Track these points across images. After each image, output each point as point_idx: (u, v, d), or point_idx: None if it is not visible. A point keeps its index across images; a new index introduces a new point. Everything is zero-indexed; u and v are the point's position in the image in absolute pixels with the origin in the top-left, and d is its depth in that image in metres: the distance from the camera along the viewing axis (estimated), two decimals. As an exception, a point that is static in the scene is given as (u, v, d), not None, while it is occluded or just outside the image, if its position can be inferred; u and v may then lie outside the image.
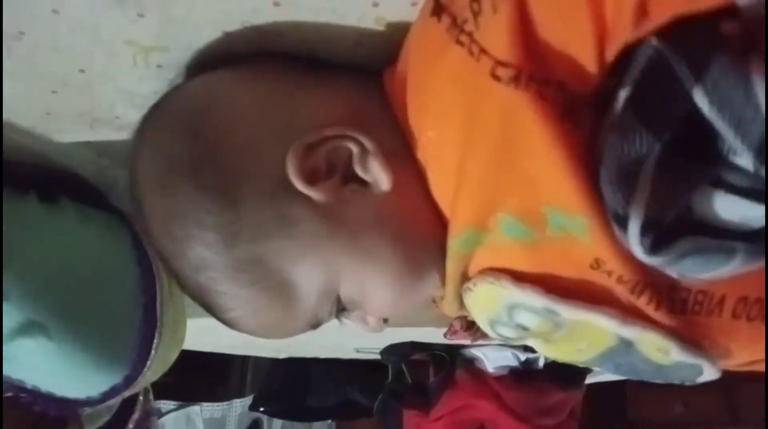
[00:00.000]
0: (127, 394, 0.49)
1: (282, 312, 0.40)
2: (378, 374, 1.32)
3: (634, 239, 0.29)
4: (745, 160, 0.25)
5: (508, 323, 0.38)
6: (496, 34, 0.28)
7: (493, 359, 1.16)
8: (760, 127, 0.24)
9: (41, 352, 0.43)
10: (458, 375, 1.18)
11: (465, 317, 0.85)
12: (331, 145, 0.37)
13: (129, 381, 0.47)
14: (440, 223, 0.38)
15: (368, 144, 0.37)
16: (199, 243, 0.37)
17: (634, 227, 0.28)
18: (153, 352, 0.47)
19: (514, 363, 1.17)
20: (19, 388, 0.46)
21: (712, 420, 2.17)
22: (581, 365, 0.43)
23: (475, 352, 1.17)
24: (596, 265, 0.32)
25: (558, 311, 0.35)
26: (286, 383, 1.41)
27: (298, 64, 0.40)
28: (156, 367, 0.49)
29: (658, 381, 0.41)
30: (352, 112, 0.38)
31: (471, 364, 1.18)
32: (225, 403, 2.73)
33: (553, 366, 1.19)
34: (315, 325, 0.42)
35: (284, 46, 0.39)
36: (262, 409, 1.46)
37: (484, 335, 0.88)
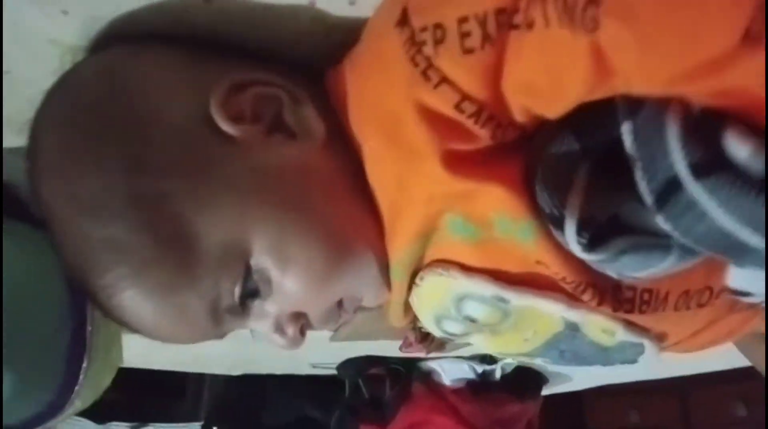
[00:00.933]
0: (53, 422, 0.46)
1: (175, 270, 0.33)
2: (334, 389, 1.29)
3: (571, 238, 0.29)
4: (647, 199, 0.26)
5: (456, 316, 0.37)
6: (469, 73, 0.28)
7: (449, 372, 1.15)
8: (666, 174, 0.24)
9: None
10: (415, 388, 1.16)
11: (419, 329, 0.84)
12: (259, 89, 0.34)
13: (54, 408, 0.44)
14: (373, 217, 0.36)
15: (300, 94, 0.35)
16: (94, 176, 0.33)
17: (570, 226, 0.29)
18: (81, 377, 0.44)
19: (471, 375, 1.16)
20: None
21: (667, 425, 2.21)
22: (526, 357, 0.42)
23: (432, 364, 1.16)
24: (538, 264, 0.33)
25: (507, 298, 0.34)
26: (241, 401, 1.37)
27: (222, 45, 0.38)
28: (86, 394, 0.46)
29: (599, 365, 0.41)
30: (283, 76, 0.36)
31: (428, 376, 1.17)
32: (181, 424, 2.65)
33: (509, 378, 1.19)
34: (214, 309, 0.35)
35: (218, 40, 0.37)
36: (215, 428, 1.42)
37: (439, 347, 0.87)
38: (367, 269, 0.37)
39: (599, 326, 0.36)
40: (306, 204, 0.34)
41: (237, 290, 0.34)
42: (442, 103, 0.29)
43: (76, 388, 0.44)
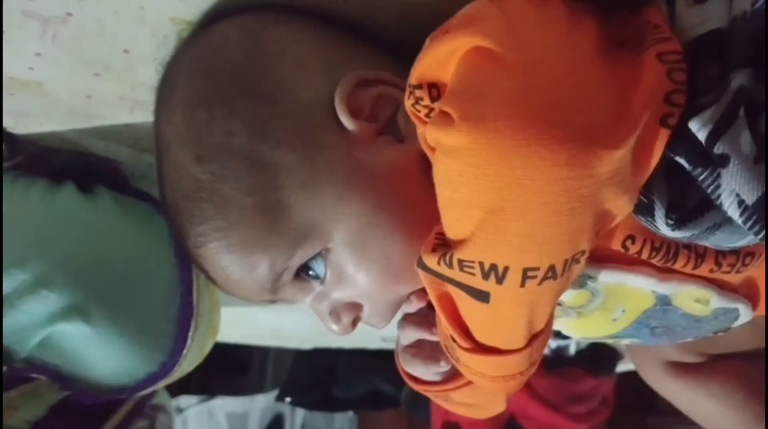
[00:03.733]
0: (162, 383, 0.48)
1: (258, 233, 0.35)
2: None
3: (660, 221, 0.29)
4: None
5: None
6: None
7: (524, 347, 1.15)
8: None
9: (80, 338, 0.43)
10: (487, 363, 1.16)
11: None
12: (382, 89, 0.36)
13: (166, 369, 0.46)
14: None
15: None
16: (220, 129, 0.34)
17: (659, 210, 0.29)
18: (189, 340, 0.47)
19: (545, 351, 1.15)
20: (55, 374, 0.46)
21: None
22: (612, 339, 0.42)
23: (505, 340, 1.16)
24: (625, 248, 0.33)
25: (594, 275, 0.34)
26: (313, 374, 1.41)
27: (347, 27, 0.39)
28: (192, 356, 0.48)
29: (692, 337, 0.40)
30: (402, 76, 0.36)
31: (500, 352, 1.17)
32: (247, 397, 2.74)
33: (584, 353, 1.17)
34: (276, 278, 0.36)
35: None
36: (289, 399, 1.46)
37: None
38: None
39: (692, 296, 0.35)
40: (397, 206, 0.35)
41: (298, 266, 0.36)
42: None
43: (185, 351, 0.46)
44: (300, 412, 2.84)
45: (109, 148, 0.50)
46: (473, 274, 0.28)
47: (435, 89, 0.30)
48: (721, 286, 0.35)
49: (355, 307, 0.38)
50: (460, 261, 0.28)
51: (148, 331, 0.45)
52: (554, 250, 0.27)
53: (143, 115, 0.46)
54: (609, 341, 0.42)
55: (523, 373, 0.35)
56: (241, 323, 1.07)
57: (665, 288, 0.34)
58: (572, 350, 1.15)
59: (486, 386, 0.35)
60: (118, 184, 0.50)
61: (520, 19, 0.28)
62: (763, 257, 0.34)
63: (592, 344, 1.17)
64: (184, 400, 2.72)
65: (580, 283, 0.35)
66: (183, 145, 0.36)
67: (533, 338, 0.32)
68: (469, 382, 0.40)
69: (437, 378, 0.42)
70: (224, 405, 2.69)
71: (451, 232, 0.28)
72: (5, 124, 0.45)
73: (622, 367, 1.36)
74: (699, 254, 0.33)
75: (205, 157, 0.35)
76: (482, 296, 0.29)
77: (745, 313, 0.37)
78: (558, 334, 1.19)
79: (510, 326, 0.31)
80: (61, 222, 0.45)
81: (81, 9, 0.37)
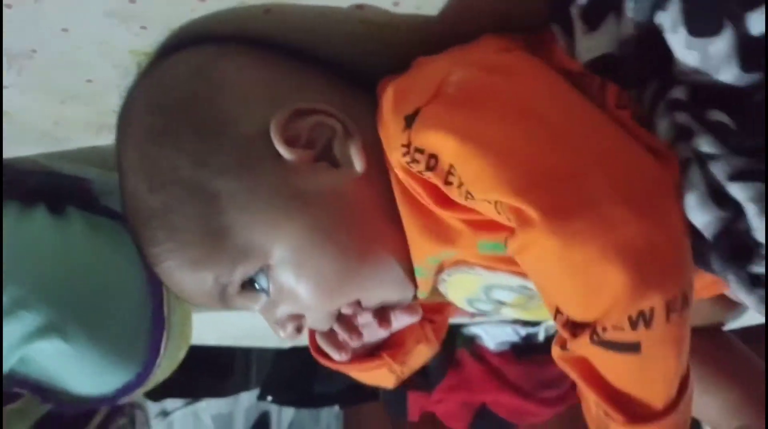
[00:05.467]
0: (139, 391, 0.51)
1: (204, 253, 0.38)
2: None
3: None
4: None
5: (486, 301, 0.41)
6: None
7: (493, 336, 1.19)
8: None
9: (58, 354, 0.45)
10: (459, 354, 1.20)
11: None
12: (318, 118, 0.38)
13: (141, 378, 0.49)
14: (397, 237, 0.39)
15: (352, 128, 0.39)
16: (168, 163, 0.38)
17: None
18: (162, 350, 0.49)
19: (515, 338, 1.19)
20: (35, 388, 0.48)
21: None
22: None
23: (476, 330, 1.20)
24: None
25: (531, 286, 0.37)
26: (293, 371, 1.44)
27: (297, 55, 0.42)
28: (165, 365, 0.51)
29: None
30: (343, 104, 0.40)
31: (472, 342, 1.21)
32: (231, 397, 2.76)
33: (553, 338, 1.21)
34: (222, 291, 0.40)
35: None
36: (270, 398, 1.48)
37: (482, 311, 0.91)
38: (387, 275, 0.41)
39: None
40: (331, 228, 0.38)
41: (240, 281, 0.39)
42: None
43: (158, 360, 0.49)
44: (287, 410, 2.87)
45: (78, 169, 0.52)
46: (622, 330, 0.30)
47: (434, 159, 0.33)
48: None
49: (298, 317, 0.41)
50: (606, 328, 0.30)
51: (123, 344, 0.48)
52: (681, 272, 0.31)
53: (110, 137, 0.48)
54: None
55: None
56: (217, 325, 1.09)
57: None
58: (541, 336, 1.20)
59: None
60: (88, 203, 0.53)
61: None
62: None
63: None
64: (170, 404, 2.72)
65: (520, 290, 0.39)
66: (137, 176, 0.40)
67: (681, 390, 0.33)
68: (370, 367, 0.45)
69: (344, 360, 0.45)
70: (209, 407, 2.71)
71: (590, 308, 0.31)
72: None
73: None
74: None
75: (156, 188, 0.38)
76: (632, 348, 0.31)
77: None
78: (527, 323, 1.23)
79: (663, 370, 0.32)
80: (34, 245, 0.48)
81: (44, 45, 0.39)
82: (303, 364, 1.44)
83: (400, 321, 0.43)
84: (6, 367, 0.47)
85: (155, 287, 0.49)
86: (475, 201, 0.32)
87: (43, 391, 0.49)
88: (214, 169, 0.38)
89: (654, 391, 0.32)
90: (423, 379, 1.24)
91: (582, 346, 0.31)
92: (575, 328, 0.31)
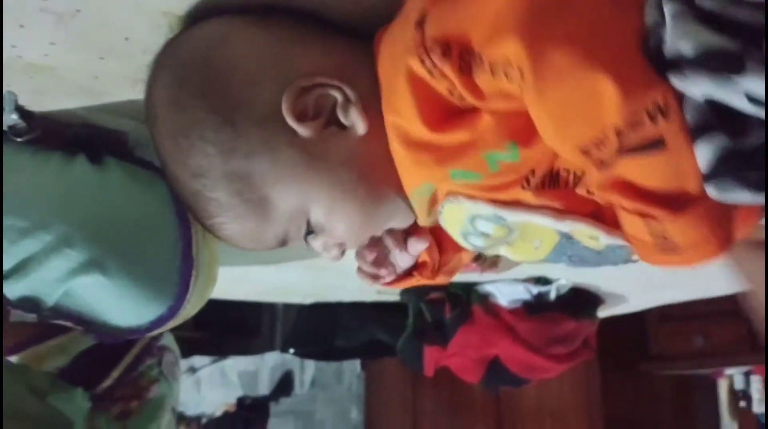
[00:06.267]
0: (170, 324, 0.56)
1: (257, 223, 0.46)
2: (400, 314, 1.40)
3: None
4: None
5: (475, 233, 0.46)
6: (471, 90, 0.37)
7: (506, 293, 1.23)
8: None
9: (98, 288, 0.51)
10: (474, 310, 1.25)
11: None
12: (320, 91, 0.43)
13: (173, 311, 0.54)
14: (398, 177, 0.45)
15: (351, 94, 0.43)
16: (200, 153, 0.44)
17: None
18: (191, 287, 0.54)
19: (527, 296, 1.23)
20: (78, 320, 0.54)
21: (733, 350, 2.21)
22: (544, 261, 0.49)
23: (489, 287, 1.24)
24: (526, 183, 0.40)
25: (503, 216, 0.42)
26: (315, 326, 1.50)
27: (300, 20, 0.46)
28: (194, 301, 0.56)
29: (605, 265, 0.48)
30: (342, 66, 0.44)
31: (486, 299, 1.25)
32: (257, 356, 2.86)
33: (564, 298, 1.25)
34: (283, 241, 0.48)
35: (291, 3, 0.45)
36: (292, 350, 1.55)
37: (492, 265, 0.95)
38: (395, 208, 0.48)
39: (586, 234, 0.43)
40: (350, 179, 0.45)
41: (301, 233, 0.48)
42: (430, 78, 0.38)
43: (188, 296, 0.54)
44: (309, 369, 2.96)
45: (115, 121, 0.57)
46: (642, 125, 0.33)
47: (447, 47, 0.37)
48: (609, 224, 0.42)
49: (339, 244, 0.50)
50: (625, 133, 0.33)
51: (156, 279, 0.53)
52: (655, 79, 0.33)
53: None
54: (548, 265, 0.50)
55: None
56: (245, 281, 1.15)
57: (563, 226, 0.42)
58: (553, 295, 1.23)
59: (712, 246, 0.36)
60: (124, 154, 0.58)
61: None
62: None
63: (573, 289, 1.26)
64: (198, 360, 2.84)
65: (496, 220, 0.43)
66: (175, 164, 0.46)
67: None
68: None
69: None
70: (236, 364, 2.82)
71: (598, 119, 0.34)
72: (23, 102, 0.52)
73: (605, 312, 1.44)
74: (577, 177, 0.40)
75: (195, 174, 0.45)
76: (658, 145, 0.33)
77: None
78: (538, 281, 1.26)
79: (692, 160, 0.34)
80: (77, 189, 0.53)
81: (87, 5, 0.43)
82: (324, 320, 1.50)
83: (415, 247, 0.53)
84: (52, 300, 0.52)
85: (185, 229, 0.54)
86: (483, 67, 0.36)
87: (84, 322, 0.54)
88: (240, 154, 0.43)
89: (688, 180, 0.34)
90: (439, 334, 1.29)
91: (614, 165, 0.35)
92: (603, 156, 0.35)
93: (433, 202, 0.45)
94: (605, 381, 2.39)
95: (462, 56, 0.36)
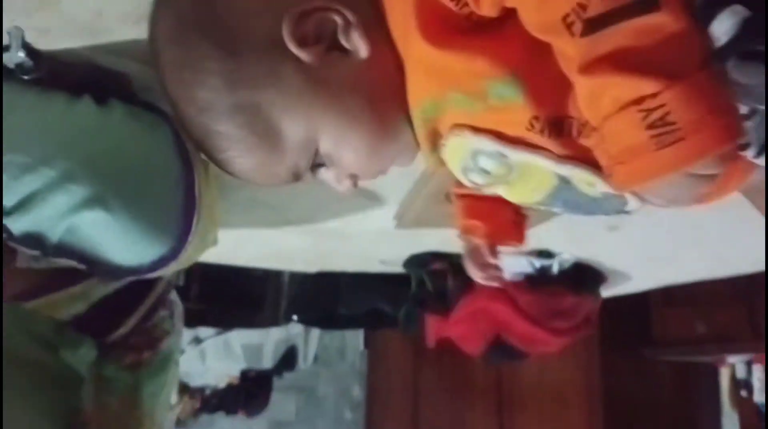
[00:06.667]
0: (172, 266, 0.57)
1: (267, 154, 0.46)
2: (402, 285, 1.40)
3: None
4: None
5: (475, 169, 0.46)
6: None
7: (509, 266, 1.23)
8: None
9: (101, 224, 0.51)
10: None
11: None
12: (320, 15, 0.43)
13: (175, 251, 0.55)
14: (404, 98, 0.45)
15: (351, 17, 0.43)
16: (205, 87, 0.44)
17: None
18: (193, 227, 0.55)
19: (529, 269, 1.24)
20: (81, 257, 0.55)
21: (734, 335, 2.21)
22: (541, 206, 0.49)
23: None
24: (531, 126, 0.40)
25: (506, 154, 0.43)
26: (318, 294, 1.51)
27: None
28: (196, 243, 0.57)
29: (598, 213, 0.47)
30: (340, 6, 0.44)
31: (488, 271, 1.25)
32: (262, 330, 2.89)
33: (567, 273, 1.25)
34: (295, 174, 0.48)
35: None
36: (295, 317, 1.56)
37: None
38: (401, 137, 0.48)
39: (584, 180, 0.43)
40: (356, 105, 0.45)
41: (309, 164, 0.47)
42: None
43: (189, 237, 0.55)
44: (312, 345, 2.99)
45: (120, 62, 0.57)
46: None
47: None
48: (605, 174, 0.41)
49: (352, 175, 0.50)
50: None
51: (158, 218, 0.53)
52: None
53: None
54: (543, 208, 0.50)
55: None
56: (248, 245, 1.16)
57: (563, 170, 0.42)
58: (555, 269, 1.24)
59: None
60: (128, 97, 0.58)
61: None
62: None
63: (576, 265, 1.26)
64: (203, 332, 2.87)
65: (498, 157, 0.43)
66: (182, 101, 0.46)
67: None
68: None
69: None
70: (240, 337, 2.84)
71: None
72: (30, 39, 0.53)
73: (608, 291, 1.44)
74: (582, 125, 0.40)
75: (202, 109, 0.45)
76: (650, 3, 0.32)
77: (632, 202, 0.44)
78: (541, 254, 1.26)
79: (689, 28, 0.32)
80: (82, 128, 0.53)
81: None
82: (328, 288, 1.51)
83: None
84: (55, 236, 0.53)
85: (188, 171, 0.54)
86: None
87: (87, 260, 0.55)
88: (245, 85, 0.43)
89: (687, 52, 0.32)
90: (441, 303, 1.30)
91: (609, 34, 0.33)
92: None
93: (435, 134, 0.45)
94: (606, 363, 2.40)
95: None
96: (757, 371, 2.37)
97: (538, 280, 1.24)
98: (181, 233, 0.54)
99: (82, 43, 0.55)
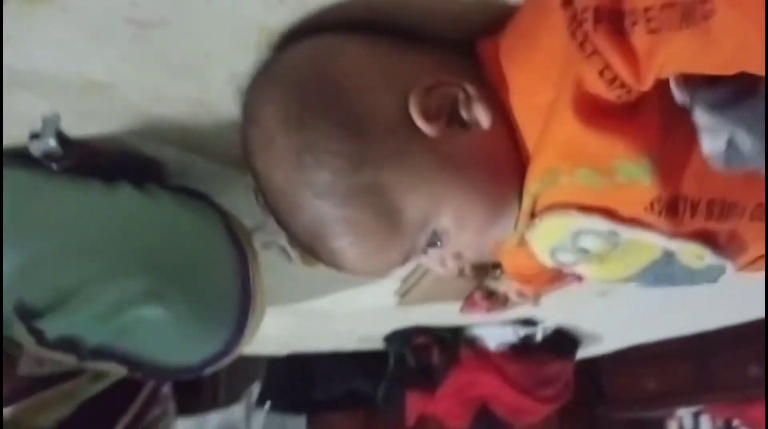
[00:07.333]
0: (224, 362, 0.52)
1: (386, 237, 0.44)
2: (380, 362, 1.36)
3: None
4: None
5: (571, 248, 0.46)
6: (624, 57, 0.36)
7: (494, 336, 1.23)
8: None
9: (156, 321, 0.47)
10: (462, 353, 1.24)
11: (486, 287, 0.91)
12: (442, 90, 0.43)
13: (229, 346, 0.50)
14: (521, 168, 0.45)
15: (472, 90, 0.43)
16: (328, 168, 0.42)
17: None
18: (249, 320, 0.51)
19: (514, 339, 1.24)
20: (122, 360, 0.49)
21: (684, 390, 2.27)
22: (625, 280, 0.49)
23: (477, 331, 1.24)
24: (650, 207, 0.40)
25: (619, 232, 0.43)
26: (290, 377, 1.44)
27: (401, 34, 0.46)
28: (248, 336, 0.53)
29: (686, 285, 0.49)
30: (452, 68, 0.44)
31: (474, 342, 1.24)
32: (199, 416, 2.71)
33: (549, 339, 1.27)
34: (407, 257, 0.46)
35: (390, 22, 0.45)
36: (268, 403, 1.48)
37: (503, 304, 0.95)
38: (513, 212, 0.47)
39: (693, 253, 0.44)
40: (478, 178, 0.44)
41: (425, 244, 0.45)
42: (589, 69, 0.37)
43: (246, 330, 0.51)
44: (257, 426, 2.83)
45: (158, 149, 0.54)
46: None
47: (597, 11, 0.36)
48: (718, 244, 0.43)
49: (458, 256, 0.48)
50: None
51: (217, 313, 0.49)
52: None
53: (206, 117, 0.51)
54: (619, 284, 0.50)
55: None
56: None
57: (673, 244, 0.43)
58: (539, 337, 1.24)
59: None
60: (162, 182, 0.55)
61: None
62: (747, 212, 0.43)
63: (556, 330, 1.27)
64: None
65: (608, 236, 0.43)
66: (297, 188, 0.43)
67: None
68: None
69: None
70: (177, 426, 2.65)
71: None
72: (68, 124, 0.49)
73: (582, 354, 1.46)
74: (694, 206, 0.41)
75: (322, 193, 0.42)
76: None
77: (729, 270, 0.46)
78: (527, 323, 1.27)
79: None
80: (126, 214, 0.49)
81: (176, 14, 0.41)
82: (299, 371, 1.44)
83: None
84: (97, 338, 0.48)
85: (242, 261, 0.51)
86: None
87: (130, 362, 0.50)
88: (371, 165, 0.42)
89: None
90: (425, 379, 1.27)
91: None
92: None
93: (532, 213, 0.45)
94: (562, 424, 2.40)
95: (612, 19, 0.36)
96: (705, 421, 2.45)
97: (522, 349, 1.24)
98: (237, 327, 0.50)
99: (130, 130, 0.52)
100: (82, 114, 0.50)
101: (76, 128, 0.50)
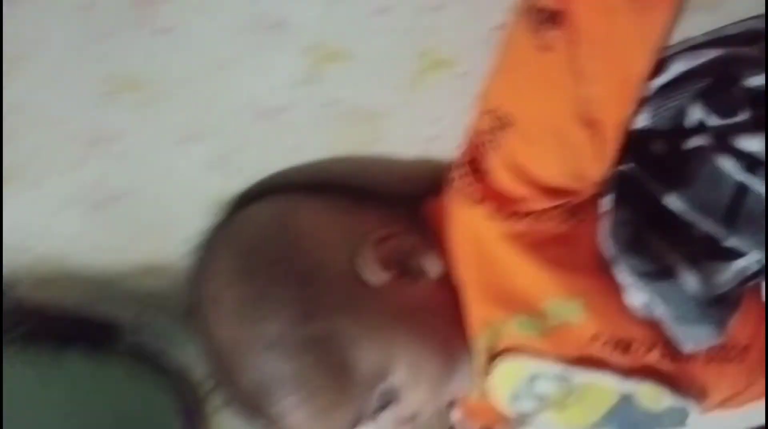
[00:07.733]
0: None
1: (336, 395, 0.42)
2: None
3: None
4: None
5: (528, 395, 0.45)
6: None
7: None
8: None
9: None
10: None
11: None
12: (392, 242, 0.44)
13: None
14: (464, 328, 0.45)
15: (421, 242, 0.45)
16: (279, 317, 0.41)
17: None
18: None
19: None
20: None
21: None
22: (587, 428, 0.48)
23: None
24: (593, 339, 0.42)
25: (570, 376, 0.43)
26: None
27: (352, 192, 0.48)
28: None
29: None
30: (403, 221, 0.46)
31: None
32: None
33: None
34: (355, 420, 0.43)
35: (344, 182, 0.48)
36: None
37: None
38: (465, 366, 0.46)
39: (649, 394, 0.44)
40: (428, 329, 0.44)
41: (374, 405, 0.43)
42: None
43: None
44: None
45: (115, 310, 0.53)
46: None
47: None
48: (675, 386, 0.44)
49: (414, 417, 0.45)
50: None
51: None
52: None
53: (158, 279, 0.51)
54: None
55: None
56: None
57: (627, 386, 0.43)
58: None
59: None
60: (118, 344, 0.53)
61: None
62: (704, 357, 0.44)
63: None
64: None
65: (559, 381, 0.43)
66: (246, 341, 0.42)
67: None
68: None
69: None
70: None
71: None
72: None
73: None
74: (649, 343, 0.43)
75: (271, 345, 0.41)
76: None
77: (693, 414, 0.46)
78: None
79: None
80: (73, 389, 0.48)
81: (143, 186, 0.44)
82: None
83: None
84: None
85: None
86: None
87: None
88: (323, 314, 0.42)
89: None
90: None
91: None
92: None
93: (489, 358, 0.45)
94: None
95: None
96: None
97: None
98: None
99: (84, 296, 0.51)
100: (39, 280, 0.49)
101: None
